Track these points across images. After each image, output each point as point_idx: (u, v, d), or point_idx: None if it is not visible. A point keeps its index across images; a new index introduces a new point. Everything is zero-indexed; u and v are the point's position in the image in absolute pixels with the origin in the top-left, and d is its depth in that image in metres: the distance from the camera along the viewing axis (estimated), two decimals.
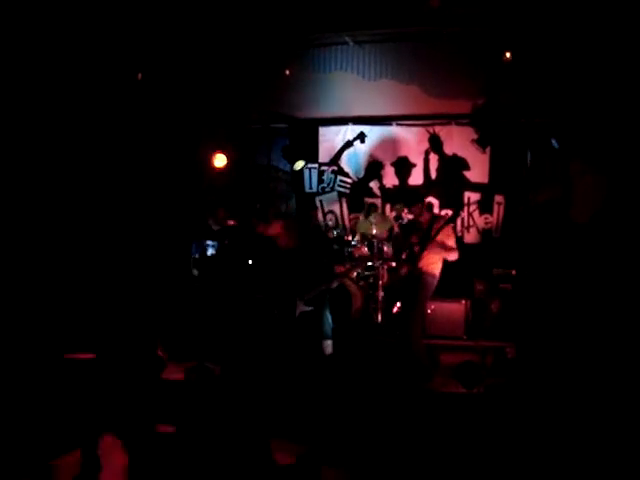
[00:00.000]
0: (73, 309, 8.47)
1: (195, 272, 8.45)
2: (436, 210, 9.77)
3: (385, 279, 9.04)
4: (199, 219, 8.57)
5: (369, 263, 9.14)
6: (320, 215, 10.31)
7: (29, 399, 5.99)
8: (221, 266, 8.29)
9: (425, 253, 7.47)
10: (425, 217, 7.76)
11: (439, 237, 7.40)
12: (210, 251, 8.35)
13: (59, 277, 8.74)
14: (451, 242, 7.49)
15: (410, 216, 9.08)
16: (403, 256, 7.94)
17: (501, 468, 5.00)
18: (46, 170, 8.87)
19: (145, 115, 10.21)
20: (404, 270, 7.71)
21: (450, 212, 9.77)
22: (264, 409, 5.22)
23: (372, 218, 9.49)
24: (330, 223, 10.25)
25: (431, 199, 9.89)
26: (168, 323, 8.24)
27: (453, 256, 7.50)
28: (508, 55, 9.10)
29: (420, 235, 7.61)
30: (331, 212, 10.40)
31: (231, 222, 8.46)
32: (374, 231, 9.27)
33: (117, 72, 9.63)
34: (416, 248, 7.59)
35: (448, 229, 7.56)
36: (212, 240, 8.39)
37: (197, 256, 8.41)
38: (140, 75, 9.76)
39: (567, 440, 5.37)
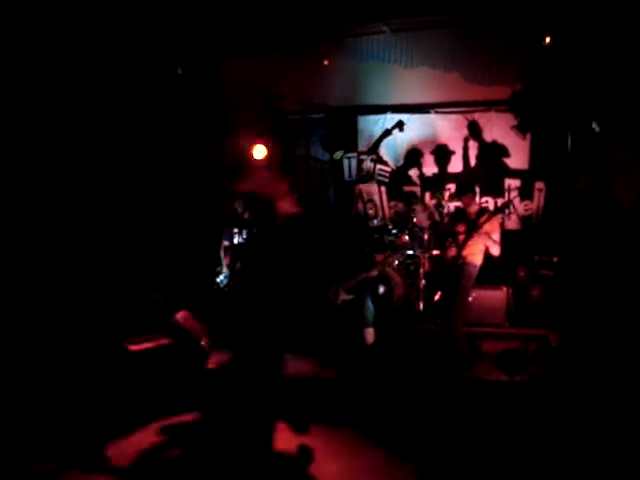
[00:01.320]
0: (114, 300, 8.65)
1: (224, 260, 8.50)
2: (476, 198, 9.76)
3: (426, 267, 9.07)
4: (230, 208, 8.62)
5: (410, 251, 9.18)
6: (360, 204, 10.33)
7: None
8: (251, 254, 8.35)
9: (470, 243, 7.54)
10: (474, 207, 7.85)
11: (485, 229, 7.49)
12: (237, 239, 8.38)
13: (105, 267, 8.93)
14: (496, 236, 7.57)
15: (451, 204, 9.14)
16: (447, 243, 8.00)
17: (544, 455, 5.02)
18: (92, 164, 9.05)
19: (182, 107, 10.34)
20: (450, 255, 7.79)
21: (490, 200, 9.78)
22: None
23: (413, 206, 9.52)
24: (370, 212, 10.28)
25: None
26: (212, 312, 8.37)
27: (495, 250, 7.60)
28: (547, 40, 9.02)
29: (466, 225, 7.68)
30: (371, 201, 10.40)
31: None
32: (415, 219, 9.31)
33: (158, 67, 9.78)
34: (461, 237, 7.66)
35: (495, 222, 7.64)
36: (239, 228, 8.42)
37: (227, 244, 8.47)
38: (180, 70, 9.88)
39: (611, 429, 5.37)
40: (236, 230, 8.42)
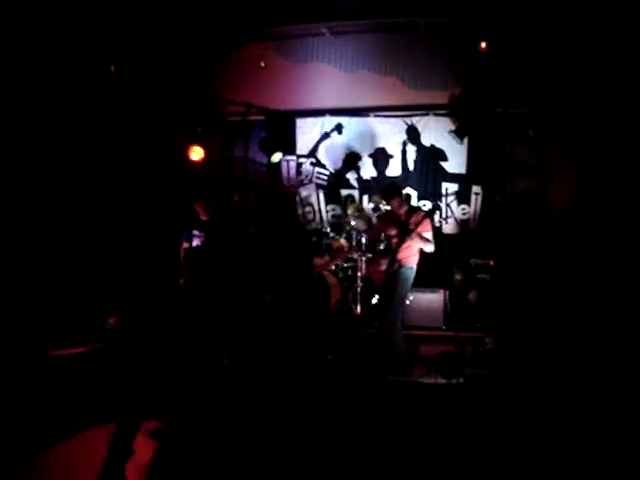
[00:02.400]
0: (60, 303, 8.42)
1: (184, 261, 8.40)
2: (414, 201, 9.79)
3: (364, 271, 9.04)
4: (187, 210, 8.52)
5: (348, 255, 9.16)
6: (299, 208, 10.29)
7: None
8: (202, 257, 8.26)
9: (403, 246, 7.48)
10: (403, 210, 7.76)
11: (417, 230, 7.41)
12: (196, 242, 8.29)
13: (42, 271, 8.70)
14: (428, 234, 7.51)
15: (388, 207, 9.09)
16: (381, 247, 7.94)
17: (480, 457, 5.01)
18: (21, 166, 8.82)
19: (120, 108, 10.13)
20: (382, 267, 7.71)
21: (427, 204, 9.78)
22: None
23: (350, 210, 9.50)
24: (309, 216, 10.27)
25: (409, 190, 9.90)
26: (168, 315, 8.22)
27: (429, 248, 7.53)
28: (484, 45, 9.11)
29: (398, 227, 7.61)
30: (309, 204, 10.37)
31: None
32: (352, 223, 9.28)
33: (89, 64, 9.54)
34: (394, 240, 7.60)
35: (426, 222, 7.57)
36: (199, 231, 8.33)
37: (186, 245, 8.37)
38: (113, 67, 9.65)
39: (547, 429, 5.40)
40: (196, 232, 8.30)
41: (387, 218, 8.14)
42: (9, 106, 8.50)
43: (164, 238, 9.14)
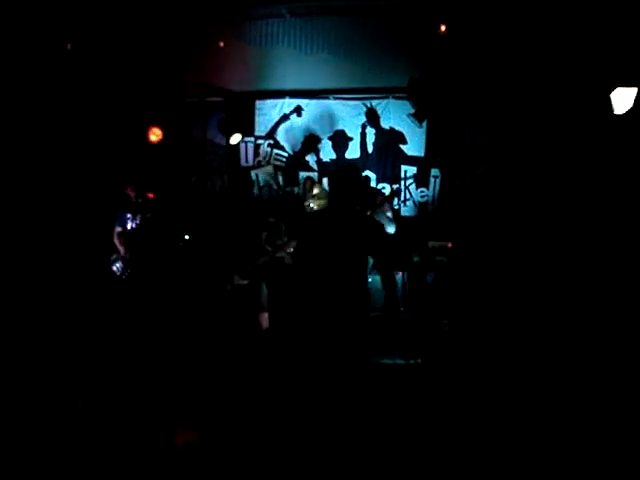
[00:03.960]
0: None
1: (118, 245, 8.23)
2: (373, 184, 9.81)
3: None
4: (121, 192, 8.37)
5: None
6: (256, 189, 10.25)
7: None
8: (148, 239, 8.14)
9: None
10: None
11: (376, 211, 7.45)
12: (130, 224, 8.14)
13: None
14: (388, 214, 7.55)
15: None
16: None
17: (436, 436, 5.06)
18: None
19: (75, 87, 9.94)
20: None
21: (386, 187, 9.81)
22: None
23: (316, 190, 9.45)
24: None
25: (368, 173, 9.92)
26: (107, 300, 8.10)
27: (390, 229, 7.57)
28: (443, 28, 9.13)
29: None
30: (267, 186, 10.32)
31: (150, 195, 8.27)
32: (312, 205, 9.23)
33: (46, 42, 9.34)
34: None
35: (384, 205, 7.63)
36: (132, 213, 8.18)
37: (120, 229, 8.20)
38: (70, 45, 9.47)
39: (503, 410, 5.47)
40: (129, 215, 8.15)
41: None
42: None
43: (96, 221, 8.96)
